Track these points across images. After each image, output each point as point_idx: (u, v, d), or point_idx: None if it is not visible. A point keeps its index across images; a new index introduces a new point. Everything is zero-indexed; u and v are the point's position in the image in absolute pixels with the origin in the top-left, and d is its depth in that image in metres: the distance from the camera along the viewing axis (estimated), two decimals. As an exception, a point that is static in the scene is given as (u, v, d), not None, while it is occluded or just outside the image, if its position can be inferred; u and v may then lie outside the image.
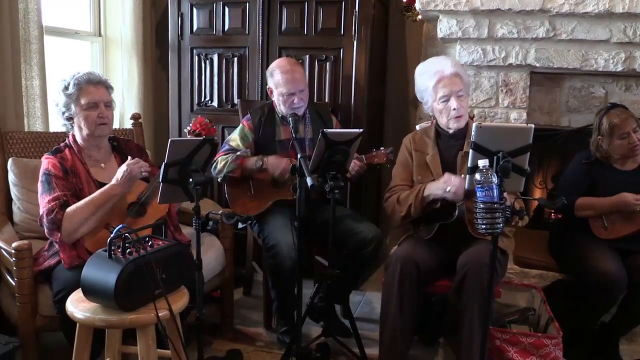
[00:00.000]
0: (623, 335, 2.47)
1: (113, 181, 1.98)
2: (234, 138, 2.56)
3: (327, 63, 3.02)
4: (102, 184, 2.05)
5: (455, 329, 2.07)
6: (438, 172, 2.17)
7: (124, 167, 1.98)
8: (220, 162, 2.48)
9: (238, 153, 2.47)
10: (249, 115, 2.61)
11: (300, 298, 2.10)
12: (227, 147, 2.55)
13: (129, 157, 2.05)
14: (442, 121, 2.20)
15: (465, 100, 2.17)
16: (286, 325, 2.52)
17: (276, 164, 2.43)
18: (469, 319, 1.97)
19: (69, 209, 1.90)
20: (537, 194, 3.18)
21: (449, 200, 2.04)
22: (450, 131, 2.19)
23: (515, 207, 1.73)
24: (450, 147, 2.21)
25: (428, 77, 2.19)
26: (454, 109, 2.12)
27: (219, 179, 2.54)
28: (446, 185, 2.01)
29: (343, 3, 2.94)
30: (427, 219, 2.16)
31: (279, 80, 2.48)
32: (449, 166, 2.17)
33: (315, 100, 2.96)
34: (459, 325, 2.03)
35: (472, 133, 1.69)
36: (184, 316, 1.97)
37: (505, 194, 1.67)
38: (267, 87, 2.58)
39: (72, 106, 2.05)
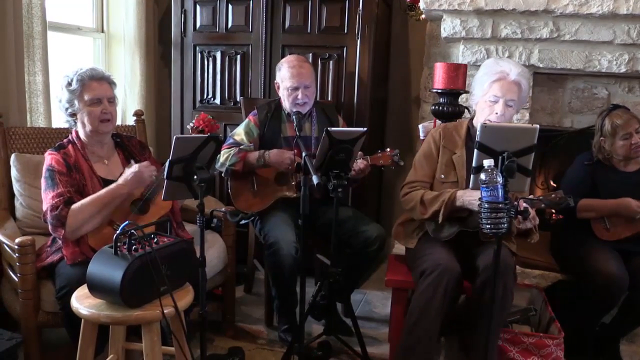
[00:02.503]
0: (624, 336, 2.49)
1: (120, 180, 1.97)
2: (239, 132, 2.56)
3: (330, 61, 3.02)
4: (105, 180, 2.05)
5: (470, 329, 2.06)
6: (462, 174, 2.13)
7: (134, 168, 1.97)
8: (223, 155, 2.48)
9: (241, 147, 2.46)
10: (255, 110, 2.61)
11: (303, 296, 2.11)
12: (231, 140, 2.55)
13: (140, 160, 2.05)
14: (479, 118, 2.13)
15: (510, 112, 2.08)
16: (287, 323, 2.52)
17: (279, 160, 2.43)
18: (492, 320, 1.93)
19: (74, 206, 1.90)
20: (539, 194, 3.18)
21: None
22: None
23: (520, 208, 1.73)
24: None
25: (490, 72, 2.11)
26: (496, 113, 2.05)
27: (222, 173, 2.54)
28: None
29: (347, 2, 2.94)
30: (451, 219, 2.11)
31: (285, 74, 2.48)
32: None
33: (318, 99, 2.96)
34: (477, 326, 2.00)
35: (477, 133, 1.69)
36: (187, 313, 1.97)
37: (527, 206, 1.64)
38: (275, 81, 2.59)
39: (76, 102, 2.04)
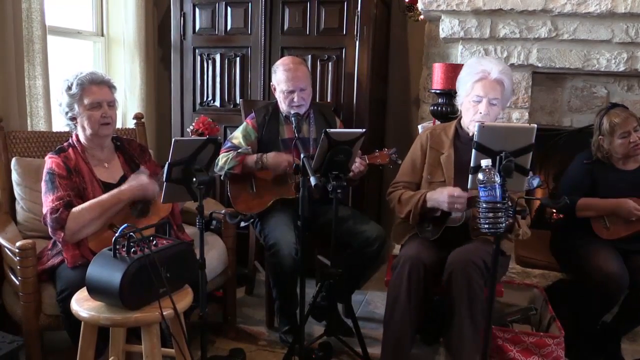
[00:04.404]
0: (624, 334, 2.48)
1: (124, 186, 1.99)
2: (237, 136, 2.57)
3: (330, 63, 3.03)
4: (105, 184, 2.06)
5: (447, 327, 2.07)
6: (450, 175, 2.15)
7: (143, 180, 2.00)
8: (222, 159, 2.49)
9: (239, 150, 2.47)
10: (253, 113, 2.62)
11: (303, 297, 2.11)
12: (229, 144, 2.56)
13: (141, 163, 2.08)
14: (465, 119, 2.17)
15: (495, 110, 2.10)
16: (288, 324, 2.53)
17: (277, 163, 2.44)
18: (457, 316, 1.97)
19: (75, 209, 1.91)
20: (539, 193, 3.19)
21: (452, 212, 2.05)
22: (471, 133, 2.15)
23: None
24: (467, 150, 2.13)
25: (472, 72, 2.13)
26: (480, 112, 2.07)
27: (221, 177, 2.55)
28: (453, 204, 2.01)
29: (345, 3, 2.95)
30: (433, 218, 2.15)
31: (281, 77, 2.49)
32: (462, 169, 2.14)
33: (317, 100, 2.97)
34: (448, 323, 2.03)
35: (475, 133, 1.69)
36: (187, 315, 1.98)
37: None
38: (271, 83, 2.60)
39: (76, 106, 2.04)
